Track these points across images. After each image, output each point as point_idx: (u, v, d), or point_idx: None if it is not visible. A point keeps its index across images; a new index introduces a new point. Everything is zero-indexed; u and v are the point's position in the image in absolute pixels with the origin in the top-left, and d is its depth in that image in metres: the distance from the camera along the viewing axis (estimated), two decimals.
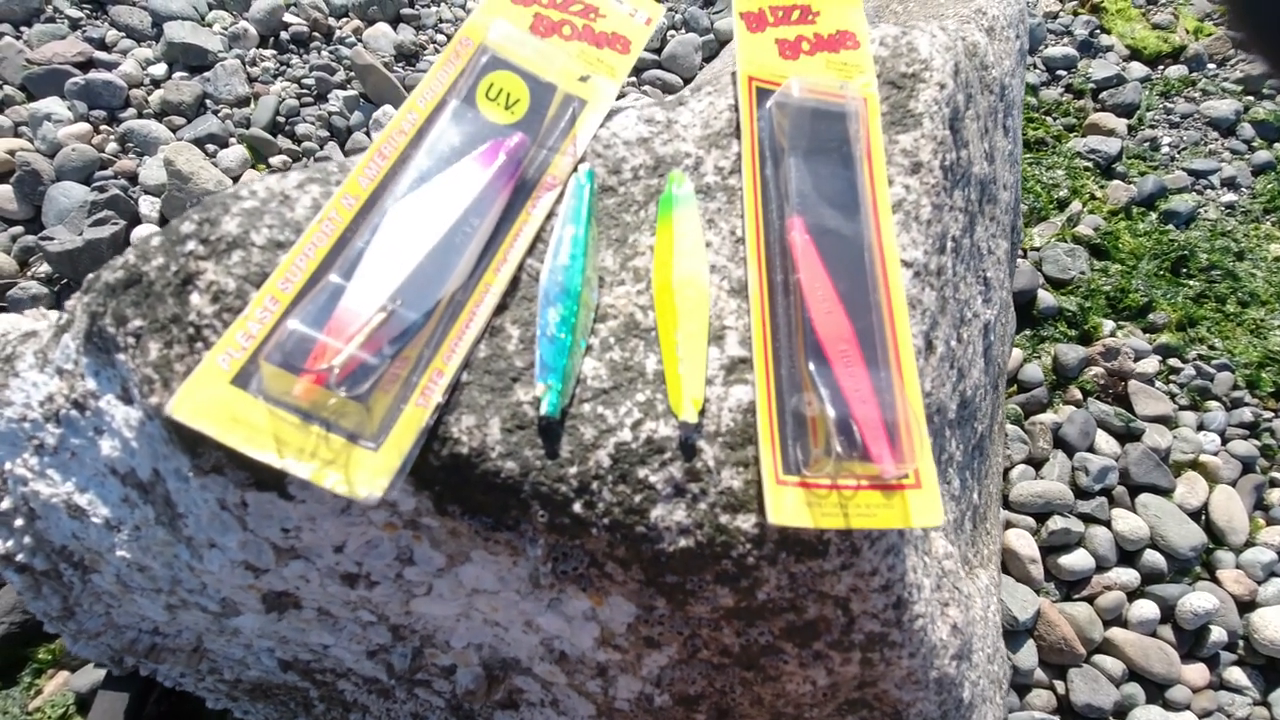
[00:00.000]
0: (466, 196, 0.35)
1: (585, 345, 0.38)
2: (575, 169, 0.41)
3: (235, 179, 1.32)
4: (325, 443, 0.31)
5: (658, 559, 0.37)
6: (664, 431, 0.37)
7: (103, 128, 1.33)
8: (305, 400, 0.31)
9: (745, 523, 0.36)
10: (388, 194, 0.36)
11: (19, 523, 0.50)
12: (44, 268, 1.23)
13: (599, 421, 0.37)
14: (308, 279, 0.34)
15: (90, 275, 0.42)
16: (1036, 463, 1.41)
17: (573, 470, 0.36)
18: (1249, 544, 1.32)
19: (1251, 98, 1.93)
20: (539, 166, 0.40)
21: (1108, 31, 2.05)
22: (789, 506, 0.34)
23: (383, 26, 1.53)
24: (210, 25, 1.44)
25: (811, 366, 0.36)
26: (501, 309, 0.38)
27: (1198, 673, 1.22)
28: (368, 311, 0.32)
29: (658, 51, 1.66)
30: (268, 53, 1.45)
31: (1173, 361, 1.52)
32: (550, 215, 0.40)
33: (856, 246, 0.39)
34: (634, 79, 1.55)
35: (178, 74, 1.39)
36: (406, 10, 1.56)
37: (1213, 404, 1.50)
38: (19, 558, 0.52)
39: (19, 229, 1.26)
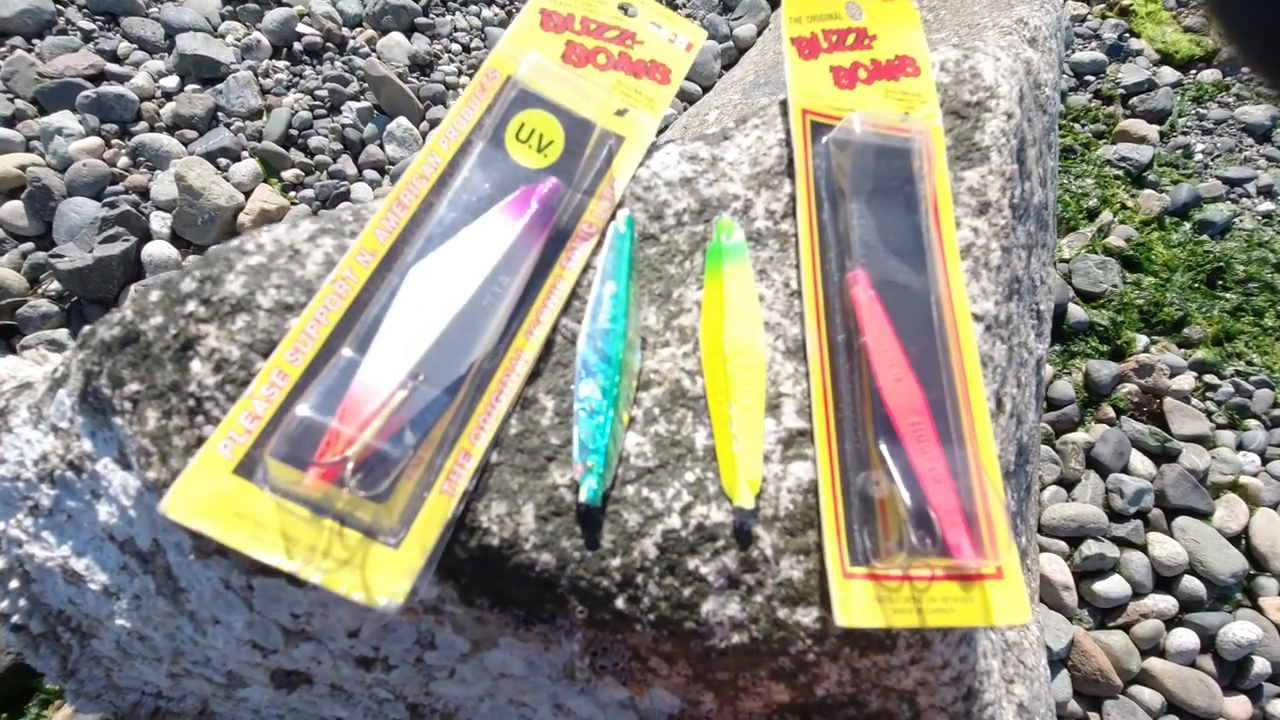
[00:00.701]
0: (495, 253, 0.31)
1: (628, 418, 0.34)
2: (614, 215, 0.38)
3: (247, 194, 1.30)
4: (340, 539, 0.28)
5: (707, 655, 0.33)
6: (716, 517, 0.33)
7: (114, 141, 1.31)
8: (317, 491, 0.28)
9: (806, 617, 0.33)
10: (408, 248, 0.33)
11: (14, 584, 0.47)
12: (54, 285, 1.21)
13: (644, 506, 0.33)
14: (319, 349, 0.30)
15: (86, 329, 0.39)
16: (1068, 484, 1.36)
17: (615, 562, 0.32)
18: None
19: None
20: (574, 212, 0.36)
21: (1137, 35, 1.99)
22: (857, 605, 0.31)
23: (397, 36, 1.50)
24: (223, 37, 1.41)
25: (881, 443, 0.32)
26: (534, 377, 0.34)
27: (1239, 706, 1.17)
28: (385, 390, 0.28)
29: None
30: (280, 64, 1.42)
31: (1209, 378, 1.47)
32: (587, 268, 0.36)
33: (924, 301, 0.36)
34: None
35: (190, 86, 1.36)
36: (420, 19, 1.53)
37: (1252, 422, 1.44)
38: (14, 619, 0.49)
39: (29, 245, 1.24)
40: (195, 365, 0.33)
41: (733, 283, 0.36)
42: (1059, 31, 1.10)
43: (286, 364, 0.30)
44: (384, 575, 0.28)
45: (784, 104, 0.44)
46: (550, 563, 0.32)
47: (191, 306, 0.34)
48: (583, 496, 0.32)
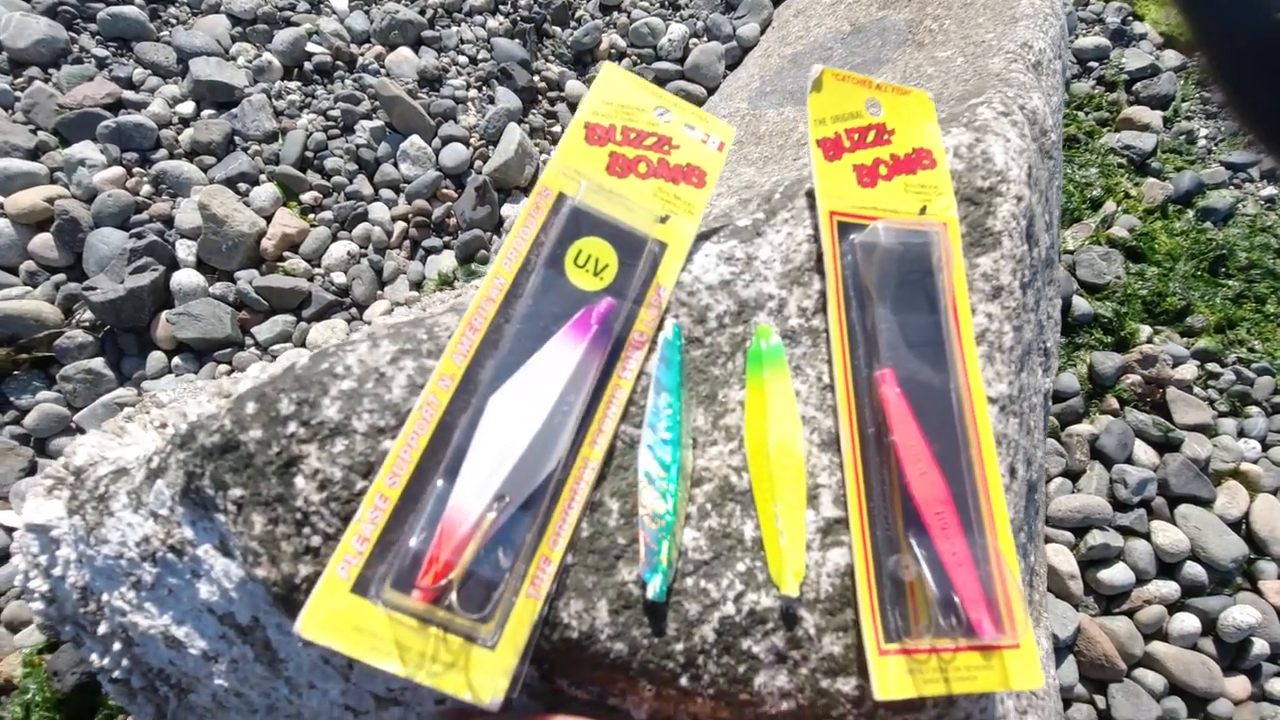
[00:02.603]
0: (563, 375, 0.35)
1: (685, 516, 0.38)
2: (661, 323, 0.41)
3: (268, 219, 1.33)
4: (444, 644, 0.32)
5: None
6: (765, 602, 0.37)
7: (135, 170, 1.33)
8: (421, 604, 0.32)
9: (846, 685, 0.37)
10: (482, 371, 0.36)
11: (116, 646, 0.52)
12: (87, 315, 1.25)
13: (702, 596, 0.37)
14: (413, 471, 0.35)
15: (185, 430, 0.43)
16: (1073, 475, 1.40)
17: (679, 647, 0.37)
18: None
19: None
20: (625, 322, 0.40)
21: (1140, 18, 1.98)
22: (893, 679, 0.35)
23: (404, 51, 1.51)
24: (234, 59, 1.43)
25: (909, 533, 0.36)
26: (599, 481, 0.39)
27: (1239, 685, 1.23)
28: (476, 513, 0.32)
29: (680, 61, 1.63)
30: (292, 85, 1.44)
31: (1212, 366, 1.50)
32: (640, 374, 0.40)
33: (945, 394, 0.39)
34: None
35: (206, 112, 1.38)
36: (427, 32, 1.54)
37: (1253, 409, 1.48)
38: (115, 674, 0.54)
39: (61, 276, 1.27)
40: (299, 481, 0.37)
41: (772, 387, 0.40)
42: (1062, 40, 1.12)
43: (386, 488, 0.34)
44: (485, 675, 0.32)
45: (810, 195, 0.47)
46: (623, 650, 0.37)
47: (292, 428, 0.38)
48: (650, 594, 0.36)
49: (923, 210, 0.44)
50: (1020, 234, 0.46)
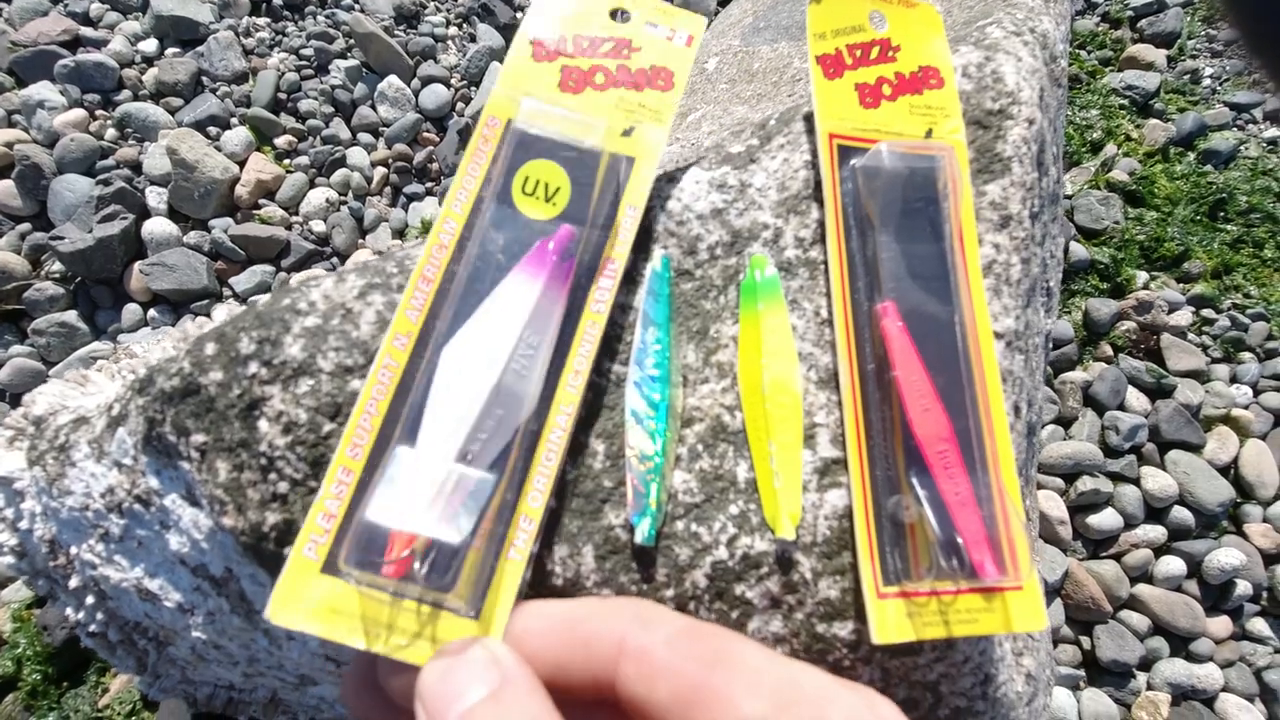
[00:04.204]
0: (520, 316, 0.32)
1: (675, 457, 0.36)
2: (648, 252, 0.39)
3: (241, 164, 1.27)
4: (425, 619, 0.30)
5: None
6: (760, 546, 0.36)
7: (99, 113, 1.27)
8: (393, 580, 0.30)
9: (842, 630, 0.36)
10: (440, 323, 0.33)
11: (90, 600, 0.50)
12: (56, 266, 1.20)
13: (693, 540, 0.36)
14: (375, 440, 0.32)
15: (143, 375, 0.40)
16: (1065, 422, 1.40)
17: (670, 593, 0.35)
18: (1279, 498, 1.33)
19: None
20: (594, 250, 0.36)
21: None
22: (891, 623, 0.34)
23: None
24: None
25: (910, 472, 0.34)
26: (582, 422, 0.36)
27: (1221, 625, 1.25)
28: (437, 479, 0.30)
29: None
30: (261, 21, 1.36)
31: (1207, 312, 1.49)
32: (624, 307, 0.37)
33: (950, 328, 0.37)
34: None
35: (170, 50, 1.31)
36: None
37: (1246, 355, 1.47)
38: (91, 628, 0.52)
39: (26, 226, 1.22)
40: (263, 425, 0.35)
41: (768, 321, 0.38)
42: None
43: (349, 460, 0.32)
44: None
45: (808, 119, 0.44)
46: (610, 597, 0.35)
47: (254, 368, 0.35)
48: (638, 539, 0.34)
49: (928, 133, 0.41)
50: (1031, 160, 0.44)
